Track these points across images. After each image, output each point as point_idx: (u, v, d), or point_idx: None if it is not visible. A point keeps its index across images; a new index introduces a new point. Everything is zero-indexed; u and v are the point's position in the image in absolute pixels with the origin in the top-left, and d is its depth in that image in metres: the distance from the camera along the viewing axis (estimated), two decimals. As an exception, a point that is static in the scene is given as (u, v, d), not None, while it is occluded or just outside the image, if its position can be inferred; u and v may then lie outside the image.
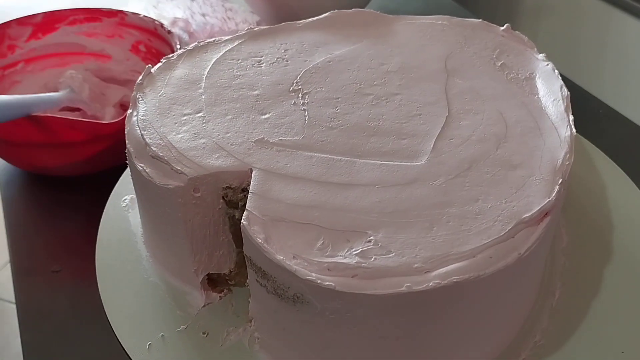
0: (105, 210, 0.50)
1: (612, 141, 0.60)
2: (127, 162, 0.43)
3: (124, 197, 0.51)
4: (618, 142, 0.63)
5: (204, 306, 0.43)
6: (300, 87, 0.47)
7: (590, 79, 0.81)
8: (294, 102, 0.45)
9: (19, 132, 0.54)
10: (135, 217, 0.49)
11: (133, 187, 0.47)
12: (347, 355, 0.36)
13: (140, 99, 0.45)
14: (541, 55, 0.52)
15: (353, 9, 0.56)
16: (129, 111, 0.45)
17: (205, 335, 0.41)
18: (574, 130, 0.43)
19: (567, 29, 0.86)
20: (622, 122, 0.68)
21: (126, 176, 0.53)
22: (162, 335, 0.41)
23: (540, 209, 0.37)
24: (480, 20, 0.56)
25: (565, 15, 0.86)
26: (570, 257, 0.47)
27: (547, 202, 0.37)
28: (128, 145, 0.42)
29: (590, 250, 0.47)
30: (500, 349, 0.40)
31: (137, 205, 0.49)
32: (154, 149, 0.40)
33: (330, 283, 0.32)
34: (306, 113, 0.44)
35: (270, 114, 0.44)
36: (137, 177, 0.42)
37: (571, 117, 0.44)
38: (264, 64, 0.49)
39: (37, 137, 0.54)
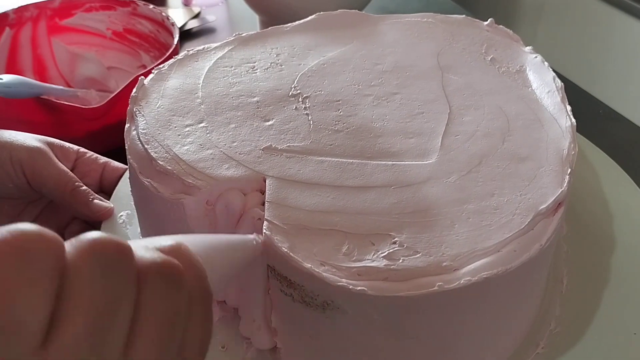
0: (102, 227, 0.48)
1: (612, 141, 0.61)
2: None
3: (120, 214, 0.50)
4: (618, 143, 0.64)
5: (218, 319, 0.42)
6: (299, 91, 0.46)
7: (590, 80, 0.83)
8: (296, 106, 0.45)
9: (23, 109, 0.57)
10: (134, 234, 0.48)
11: (134, 203, 0.45)
12: (376, 357, 0.36)
13: (138, 112, 0.43)
14: (528, 47, 0.53)
15: (338, 10, 0.56)
16: (127, 125, 0.43)
17: (224, 349, 0.40)
18: (573, 120, 0.44)
19: (567, 29, 0.88)
20: (622, 122, 0.69)
21: (117, 192, 0.51)
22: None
23: (554, 199, 0.37)
24: (464, 16, 0.57)
25: (565, 16, 0.87)
26: (572, 244, 0.48)
27: (561, 193, 0.38)
28: (131, 161, 0.41)
29: (590, 238, 0.48)
30: (520, 340, 0.41)
31: (135, 221, 0.48)
32: (160, 162, 0.39)
33: (363, 288, 0.32)
34: (310, 117, 0.44)
35: (273, 120, 0.43)
36: (142, 192, 0.41)
37: (568, 108, 0.45)
38: (258, 70, 0.49)
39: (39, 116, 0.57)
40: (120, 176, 0.50)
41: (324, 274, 0.33)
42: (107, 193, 0.49)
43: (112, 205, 0.49)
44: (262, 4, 0.81)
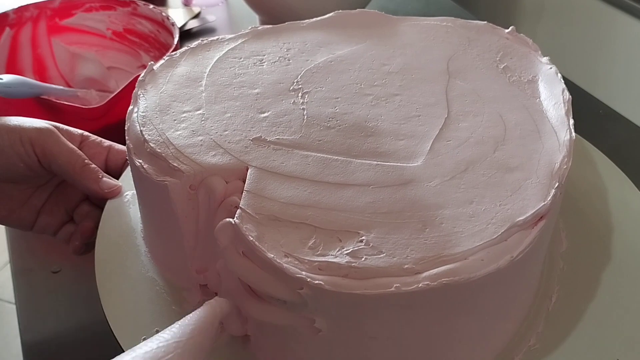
0: (107, 205, 0.50)
1: (612, 142, 0.59)
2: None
3: (125, 193, 0.52)
4: (618, 143, 0.62)
5: (199, 302, 0.43)
6: (300, 86, 0.47)
7: (590, 80, 0.81)
8: (294, 101, 0.45)
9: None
10: (135, 213, 0.50)
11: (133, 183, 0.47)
12: (337, 354, 0.36)
13: (142, 95, 0.45)
14: (545, 58, 0.52)
15: (357, 10, 0.56)
16: (130, 107, 0.45)
17: (199, 331, 0.42)
18: (573, 134, 0.43)
19: (567, 30, 0.86)
20: (622, 122, 0.68)
21: (129, 172, 0.53)
22: (157, 330, 0.41)
23: (534, 212, 0.36)
24: (486, 22, 0.56)
25: (565, 16, 0.85)
26: (569, 261, 0.46)
27: (542, 206, 0.37)
28: (128, 141, 0.43)
29: (589, 255, 0.47)
30: (493, 353, 0.40)
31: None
32: (152, 145, 0.41)
33: (320, 282, 0.32)
34: (305, 112, 0.44)
35: (269, 112, 0.44)
36: (135, 172, 0.42)
37: (571, 121, 0.44)
38: (265, 63, 0.49)
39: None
40: (126, 158, 0.52)
41: (285, 265, 0.33)
42: (112, 175, 0.51)
43: (120, 184, 0.51)
44: (262, 4, 0.81)
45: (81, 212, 0.52)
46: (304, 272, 0.33)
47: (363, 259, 0.34)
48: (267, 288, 0.35)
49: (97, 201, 0.51)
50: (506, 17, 0.90)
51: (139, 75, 0.47)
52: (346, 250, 0.34)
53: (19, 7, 0.70)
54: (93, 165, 0.49)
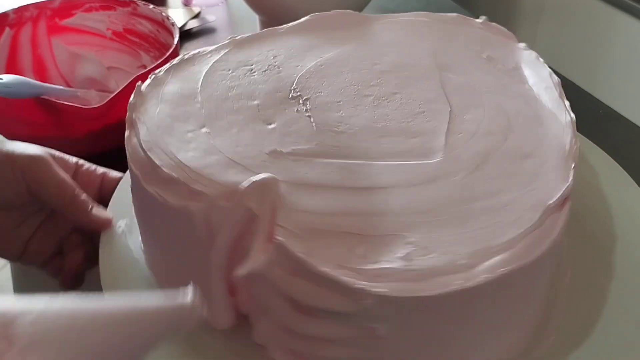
0: (101, 239, 0.47)
1: (612, 142, 0.61)
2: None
3: (117, 224, 0.49)
4: (618, 143, 0.64)
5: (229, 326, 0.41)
6: (299, 93, 0.46)
7: (590, 80, 0.83)
8: (297, 109, 0.44)
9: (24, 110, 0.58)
10: (135, 243, 0.47)
11: (134, 213, 0.45)
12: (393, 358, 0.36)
13: (138, 119, 0.43)
14: (522, 44, 0.53)
15: (332, 11, 0.56)
16: (127, 133, 0.42)
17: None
18: (572, 115, 0.44)
19: (567, 30, 0.89)
20: (622, 122, 0.69)
21: (114, 201, 0.50)
22: (192, 363, 0.39)
23: (562, 194, 0.38)
24: (457, 14, 0.57)
25: (565, 16, 0.88)
26: (575, 240, 0.48)
27: (567, 187, 0.38)
28: (134, 170, 0.40)
29: (594, 239, 0.47)
30: (529, 335, 0.41)
31: (135, 229, 0.47)
32: (165, 170, 0.38)
33: (384, 289, 0.32)
34: (312, 119, 0.43)
35: (276, 123, 0.43)
36: (147, 201, 0.40)
37: (567, 103, 0.45)
38: (256, 73, 0.48)
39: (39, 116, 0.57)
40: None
41: (341, 277, 0.32)
42: (105, 204, 0.48)
43: (111, 217, 0.48)
44: (262, 4, 0.81)
45: (72, 243, 0.49)
46: (362, 282, 0.32)
47: (417, 261, 0.33)
48: (322, 302, 0.34)
49: (89, 230, 0.48)
50: (506, 17, 0.92)
51: (139, 75, 0.45)
52: (397, 255, 0.34)
53: (19, 7, 0.69)
54: (83, 197, 0.46)
